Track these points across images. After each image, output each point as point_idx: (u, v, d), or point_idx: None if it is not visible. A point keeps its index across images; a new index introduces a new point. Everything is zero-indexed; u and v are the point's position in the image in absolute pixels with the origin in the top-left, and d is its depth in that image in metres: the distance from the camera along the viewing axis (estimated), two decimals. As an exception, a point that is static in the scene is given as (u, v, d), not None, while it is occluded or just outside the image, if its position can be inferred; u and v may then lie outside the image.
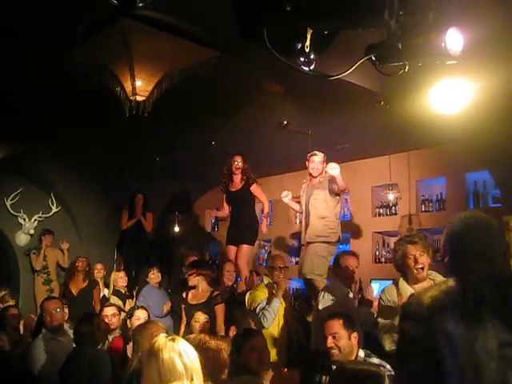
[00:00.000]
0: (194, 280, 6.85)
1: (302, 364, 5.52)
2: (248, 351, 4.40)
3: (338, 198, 7.67)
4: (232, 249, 8.59)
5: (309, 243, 7.54)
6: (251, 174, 8.63)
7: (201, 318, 6.01)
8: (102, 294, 8.93)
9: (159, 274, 8.31)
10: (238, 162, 8.54)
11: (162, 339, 3.10)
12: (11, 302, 8.49)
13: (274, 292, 6.37)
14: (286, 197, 8.06)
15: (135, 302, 7.85)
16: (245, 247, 8.45)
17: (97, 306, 8.42)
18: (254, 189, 8.64)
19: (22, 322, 7.56)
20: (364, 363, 4.37)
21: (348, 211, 10.42)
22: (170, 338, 3.12)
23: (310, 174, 7.78)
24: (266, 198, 8.87)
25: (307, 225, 7.65)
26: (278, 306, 6.30)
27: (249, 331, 4.99)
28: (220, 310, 6.59)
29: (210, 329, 5.99)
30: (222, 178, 8.79)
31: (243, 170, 8.57)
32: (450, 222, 2.83)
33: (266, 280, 6.75)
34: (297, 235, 9.72)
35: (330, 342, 4.57)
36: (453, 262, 2.71)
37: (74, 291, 8.66)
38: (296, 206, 8.18)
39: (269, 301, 6.33)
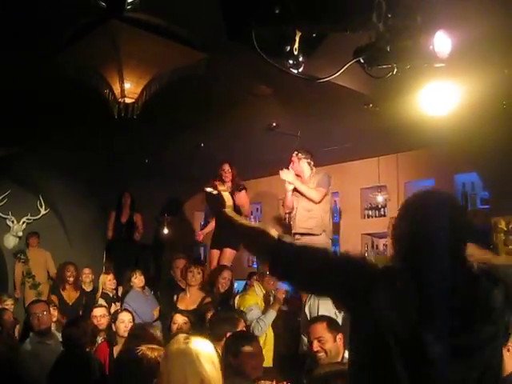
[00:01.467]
0: (189, 275, 6.83)
1: (291, 369, 5.52)
2: (245, 356, 4.37)
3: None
4: (215, 253, 8.60)
5: (295, 234, 7.56)
6: (240, 181, 8.67)
7: (179, 319, 5.97)
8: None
9: (142, 278, 8.07)
10: (227, 170, 8.56)
11: (176, 341, 3.04)
12: (9, 302, 8.46)
13: (271, 303, 6.37)
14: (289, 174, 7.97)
15: (120, 306, 7.73)
16: (228, 251, 8.45)
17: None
18: (242, 195, 8.63)
19: (17, 327, 7.52)
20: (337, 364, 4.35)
21: (336, 213, 10.44)
22: (186, 340, 3.03)
23: (297, 175, 7.89)
24: (248, 208, 8.94)
25: (294, 217, 7.71)
26: (273, 318, 6.31)
27: (245, 335, 4.97)
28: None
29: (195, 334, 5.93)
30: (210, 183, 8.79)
31: (232, 177, 8.59)
32: (407, 199, 2.54)
33: (257, 286, 6.74)
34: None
35: (315, 345, 4.55)
36: (400, 243, 2.43)
37: (69, 301, 8.66)
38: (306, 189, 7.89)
39: (265, 311, 6.34)
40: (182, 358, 2.91)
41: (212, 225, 9.08)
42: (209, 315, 6.22)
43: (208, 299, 6.68)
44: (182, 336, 3.10)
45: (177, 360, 2.92)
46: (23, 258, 10.79)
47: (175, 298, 6.86)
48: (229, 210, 2.85)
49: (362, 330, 2.32)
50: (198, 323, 6.18)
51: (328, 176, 7.84)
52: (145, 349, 3.76)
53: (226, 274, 7.19)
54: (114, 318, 6.15)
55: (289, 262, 2.54)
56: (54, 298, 8.87)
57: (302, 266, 2.50)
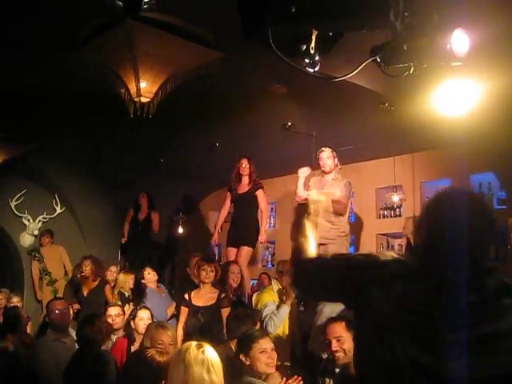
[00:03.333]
0: (203, 274, 6.82)
1: (306, 367, 5.51)
2: (257, 353, 4.41)
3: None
4: (232, 251, 8.56)
5: (321, 245, 7.50)
6: (258, 178, 8.66)
7: None
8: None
9: (155, 273, 8.07)
10: (245, 164, 8.57)
11: (191, 349, 3.12)
12: (15, 299, 8.51)
13: (284, 299, 6.36)
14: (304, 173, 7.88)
15: (135, 304, 7.71)
16: (245, 249, 8.42)
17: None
18: (260, 194, 8.66)
19: (29, 324, 7.56)
20: None
21: (352, 213, 10.40)
22: (200, 348, 3.14)
23: (323, 171, 7.75)
24: (267, 206, 8.90)
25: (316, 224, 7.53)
26: (287, 313, 6.30)
27: (257, 332, 4.98)
28: (226, 313, 6.43)
29: (213, 332, 5.96)
30: (231, 179, 8.81)
31: (250, 172, 8.59)
32: (430, 197, 2.45)
33: (275, 284, 6.73)
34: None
35: (334, 345, 4.56)
36: (420, 241, 2.36)
37: (85, 292, 8.72)
38: (302, 191, 7.80)
39: (278, 307, 6.33)
40: (199, 367, 3.04)
41: (221, 218, 9.08)
42: (224, 310, 6.36)
43: (224, 294, 6.67)
44: (194, 344, 3.20)
45: (195, 368, 3.04)
46: (38, 256, 10.87)
47: (187, 296, 6.83)
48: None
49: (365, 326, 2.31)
50: (214, 319, 6.29)
51: (350, 184, 7.72)
52: (154, 352, 3.84)
53: (235, 269, 7.18)
54: (133, 315, 6.14)
55: (308, 278, 2.63)
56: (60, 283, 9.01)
57: (321, 284, 2.56)
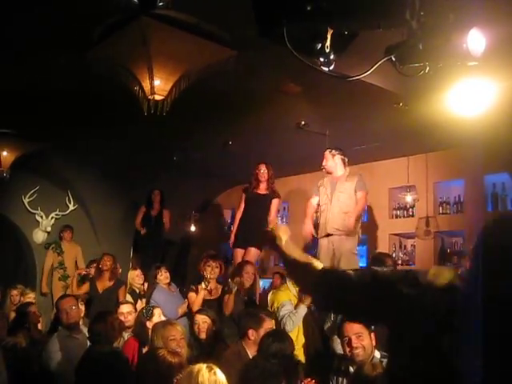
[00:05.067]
0: (208, 269, 7.07)
1: (320, 366, 5.52)
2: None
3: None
4: (239, 252, 8.59)
5: (329, 235, 7.57)
6: (274, 184, 8.76)
7: (198, 319, 6.08)
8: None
9: (167, 275, 8.05)
10: (263, 170, 8.60)
11: (203, 371, 3.22)
12: (31, 295, 8.55)
13: (302, 299, 6.37)
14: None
15: (146, 303, 7.71)
16: (252, 250, 8.44)
17: None
18: (274, 202, 8.74)
19: (41, 320, 7.59)
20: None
21: (365, 213, 10.37)
22: (212, 370, 3.25)
23: (326, 172, 7.95)
24: (275, 216, 8.95)
25: (326, 217, 7.69)
26: (304, 312, 6.31)
27: (280, 333, 5.02)
28: (231, 297, 6.70)
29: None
30: (249, 182, 8.85)
31: (268, 178, 8.62)
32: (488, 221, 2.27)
33: (290, 283, 6.74)
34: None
35: (354, 341, 4.61)
36: (474, 268, 2.20)
37: (100, 288, 8.65)
38: (310, 226, 8.11)
39: (297, 306, 6.34)
40: None
41: (238, 221, 9.07)
42: (226, 298, 6.66)
43: (227, 288, 6.90)
44: (205, 366, 3.31)
45: None
46: (59, 249, 10.96)
47: (194, 287, 7.02)
48: (283, 244, 2.83)
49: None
50: (219, 312, 6.54)
51: (363, 178, 7.85)
52: (166, 353, 3.88)
53: (250, 269, 7.24)
54: (148, 315, 6.10)
55: (330, 296, 2.55)
56: (85, 286, 9.00)
57: (343, 299, 2.49)
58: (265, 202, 8.65)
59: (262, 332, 5.16)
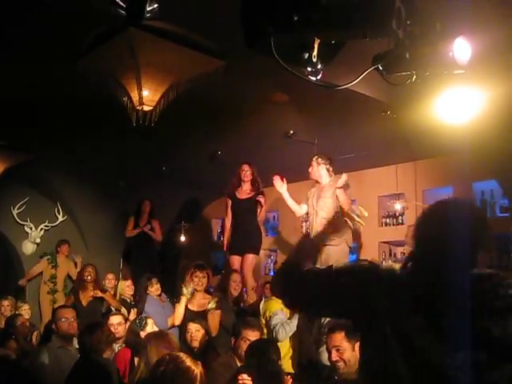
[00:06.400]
0: (195, 280, 6.98)
1: (311, 375, 5.50)
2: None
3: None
4: (236, 259, 8.53)
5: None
6: (260, 183, 8.64)
7: (191, 328, 6.06)
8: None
9: (158, 286, 7.88)
10: (246, 170, 8.56)
11: None
12: (25, 307, 8.50)
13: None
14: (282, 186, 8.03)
15: (137, 313, 7.63)
16: (250, 257, 8.41)
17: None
18: (261, 200, 8.66)
19: (35, 334, 7.54)
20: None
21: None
22: None
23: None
24: (264, 214, 8.99)
25: (312, 226, 7.66)
26: (297, 322, 6.29)
27: (261, 344, 4.98)
28: (215, 315, 6.60)
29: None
30: (229, 184, 8.78)
31: (252, 178, 8.59)
32: (428, 205, 2.51)
33: None
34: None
35: (334, 355, 4.45)
36: (417, 250, 2.43)
37: (84, 302, 8.43)
38: (292, 203, 8.09)
39: (291, 316, 6.31)
40: None
41: (227, 228, 9.02)
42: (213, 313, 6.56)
43: (216, 299, 6.78)
44: None
45: None
46: (54, 262, 10.90)
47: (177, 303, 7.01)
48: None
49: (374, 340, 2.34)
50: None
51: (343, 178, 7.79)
52: (189, 360, 3.72)
53: (236, 277, 7.23)
54: (141, 325, 6.05)
55: (289, 289, 2.65)
56: (70, 298, 8.89)
57: (302, 295, 2.60)
58: (252, 204, 8.60)
59: (245, 344, 5.11)
